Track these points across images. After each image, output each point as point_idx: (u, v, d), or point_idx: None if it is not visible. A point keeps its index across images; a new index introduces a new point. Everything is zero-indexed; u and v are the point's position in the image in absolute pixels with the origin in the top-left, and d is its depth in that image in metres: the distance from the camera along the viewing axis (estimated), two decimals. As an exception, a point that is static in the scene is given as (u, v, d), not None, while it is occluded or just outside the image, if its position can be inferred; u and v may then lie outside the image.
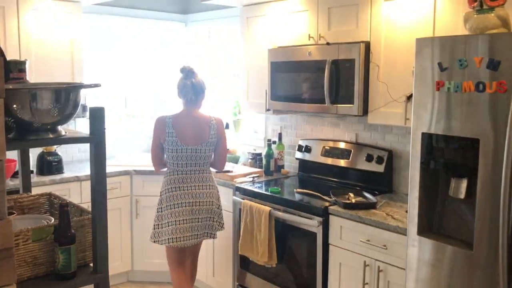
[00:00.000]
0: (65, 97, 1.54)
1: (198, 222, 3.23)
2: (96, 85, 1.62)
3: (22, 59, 3.75)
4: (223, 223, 3.38)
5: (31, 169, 3.84)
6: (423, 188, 2.30)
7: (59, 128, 1.61)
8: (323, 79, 3.14)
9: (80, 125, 4.47)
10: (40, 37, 3.83)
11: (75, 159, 4.46)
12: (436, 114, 2.22)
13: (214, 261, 3.84)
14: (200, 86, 3.28)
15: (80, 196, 3.83)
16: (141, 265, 4.19)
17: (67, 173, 3.89)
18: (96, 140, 1.61)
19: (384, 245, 2.66)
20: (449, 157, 2.29)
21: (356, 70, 3.02)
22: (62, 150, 4.34)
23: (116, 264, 4.10)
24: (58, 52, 3.93)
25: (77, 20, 3.98)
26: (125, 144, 4.78)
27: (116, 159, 4.47)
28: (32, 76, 3.80)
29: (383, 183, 3.33)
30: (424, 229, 2.32)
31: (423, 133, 2.27)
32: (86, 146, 4.52)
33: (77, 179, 3.81)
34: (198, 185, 3.24)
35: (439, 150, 2.31)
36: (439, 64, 2.18)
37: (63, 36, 3.93)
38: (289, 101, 3.47)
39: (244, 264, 3.52)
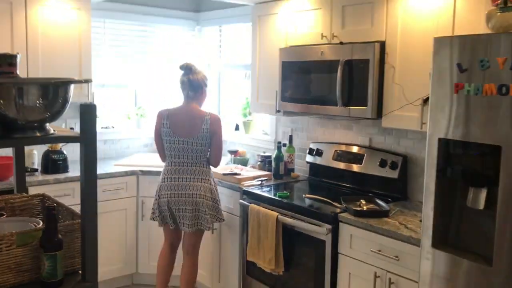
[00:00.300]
0: (53, 93, 1.44)
1: (186, 212, 3.31)
2: (87, 81, 1.51)
3: (29, 55, 3.72)
4: (220, 217, 3.40)
5: (36, 167, 3.80)
6: (438, 197, 2.15)
7: (47, 126, 1.51)
8: (336, 80, 3.01)
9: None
10: (48, 34, 3.76)
11: (82, 158, 4.37)
12: (454, 118, 2.08)
13: (220, 266, 3.72)
14: (198, 83, 3.39)
15: (84, 196, 3.74)
16: (146, 268, 4.09)
17: (72, 172, 3.80)
18: (86, 139, 1.50)
19: (396, 256, 2.52)
20: (467, 165, 2.14)
21: (370, 71, 2.88)
22: (69, 149, 4.26)
23: (121, 266, 4.01)
24: (65, 49, 3.85)
25: (86, 16, 3.91)
26: (134, 143, 4.69)
27: (124, 159, 4.37)
28: (39, 73, 3.74)
29: (397, 190, 3.18)
30: (439, 241, 2.17)
31: (439, 139, 2.12)
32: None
33: (82, 178, 3.72)
34: (190, 177, 3.33)
35: (457, 157, 2.16)
36: (458, 65, 2.03)
37: (71, 33, 3.85)
38: (300, 103, 3.34)
39: (250, 271, 3.40)
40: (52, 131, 1.51)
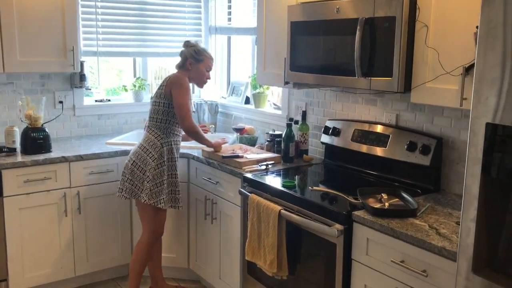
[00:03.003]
0: None
1: (124, 176, 3.12)
2: None
3: (2, 23, 3.24)
4: (146, 196, 3.04)
5: (15, 146, 3.37)
6: (483, 205, 1.55)
7: None
8: (354, 44, 2.41)
9: (79, 96, 3.94)
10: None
11: (74, 135, 3.94)
12: (510, 95, 1.47)
13: (221, 261, 3.25)
14: (184, 54, 3.22)
15: (68, 180, 3.31)
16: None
17: (55, 152, 3.36)
18: None
19: (424, 271, 1.96)
20: (525, 159, 1.54)
21: (397, 32, 2.27)
22: (57, 125, 3.85)
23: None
24: (46, 15, 3.37)
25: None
26: (132, 118, 4.20)
27: (120, 137, 3.89)
28: (16, 43, 3.28)
29: (429, 180, 2.59)
30: (482, 265, 1.59)
31: (487, 124, 1.52)
32: (87, 120, 4.01)
33: (64, 159, 3.28)
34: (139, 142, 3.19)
35: None
36: (519, 19, 1.42)
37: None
38: (312, 72, 2.76)
39: (251, 270, 2.91)
40: None
